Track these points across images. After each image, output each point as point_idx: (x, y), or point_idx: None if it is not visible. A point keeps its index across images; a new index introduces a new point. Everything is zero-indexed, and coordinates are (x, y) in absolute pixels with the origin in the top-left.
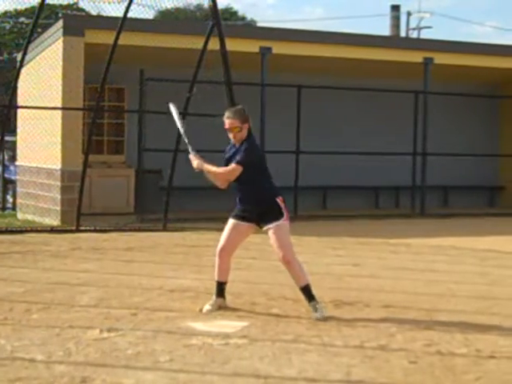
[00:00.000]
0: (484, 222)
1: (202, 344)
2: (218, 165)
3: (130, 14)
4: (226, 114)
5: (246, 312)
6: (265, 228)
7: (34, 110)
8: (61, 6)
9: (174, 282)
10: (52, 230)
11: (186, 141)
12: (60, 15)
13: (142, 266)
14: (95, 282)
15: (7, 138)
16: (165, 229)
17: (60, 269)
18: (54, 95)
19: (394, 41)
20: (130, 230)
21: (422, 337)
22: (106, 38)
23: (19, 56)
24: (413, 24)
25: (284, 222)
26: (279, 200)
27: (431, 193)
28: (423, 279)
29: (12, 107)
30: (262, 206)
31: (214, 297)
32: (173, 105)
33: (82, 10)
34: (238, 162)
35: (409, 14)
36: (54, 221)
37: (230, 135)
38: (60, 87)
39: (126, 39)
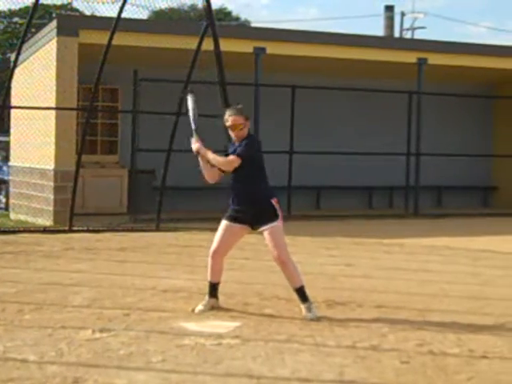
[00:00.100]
0: (477, 222)
1: (194, 344)
2: None
3: (124, 14)
4: (229, 111)
5: (238, 312)
6: (260, 229)
7: (27, 110)
8: (55, 6)
9: (167, 283)
10: (45, 230)
11: (193, 126)
12: (54, 15)
13: (135, 266)
14: (88, 283)
15: (0, 139)
16: (158, 229)
17: (53, 269)
18: (48, 95)
19: (387, 41)
20: (123, 230)
21: (414, 337)
22: (99, 38)
23: (13, 56)
24: (407, 24)
25: (279, 224)
26: (274, 201)
27: (425, 193)
28: (416, 279)
29: (5, 107)
30: (257, 207)
31: (206, 297)
32: (191, 95)
33: (76, 10)
34: (238, 154)
35: (403, 14)
36: (47, 221)
37: (233, 133)
38: (54, 87)
39: (120, 39)
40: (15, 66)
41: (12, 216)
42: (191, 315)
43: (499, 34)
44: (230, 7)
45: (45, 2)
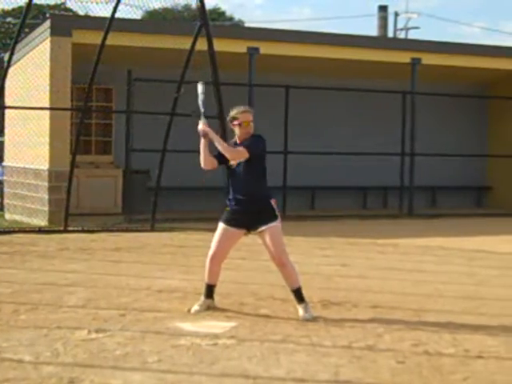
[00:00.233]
0: (472, 223)
1: (190, 344)
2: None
3: (118, 15)
4: (238, 109)
5: (234, 312)
6: (259, 230)
7: (21, 111)
8: (48, 6)
9: (162, 283)
10: (40, 230)
11: (202, 109)
12: (47, 15)
13: (130, 266)
14: (83, 283)
15: None
16: (153, 229)
17: (48, 269)
18: (42, 95)
19: (381, 41)
20: (118, 231)
21: (409, 337)
22: (93, 38)
23: (6, 56)
24: (400, 24)
25: (278, 224)
26: (273, 202)
27: (419, 193)
28: (411, 279)
29: None
30: (258, 206)
31: (202, 297)
32: (201, 84)
33: (70, 10)
34: (246, 147)
35: (396, 14)
36: (42, 221)
37: (240, 130)
38: (47, 87)
39: (114, 39)
40: (9, 66)
41: (7, 216)
42: (187, 315)
43: (493, 34)
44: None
45: (38, 2)
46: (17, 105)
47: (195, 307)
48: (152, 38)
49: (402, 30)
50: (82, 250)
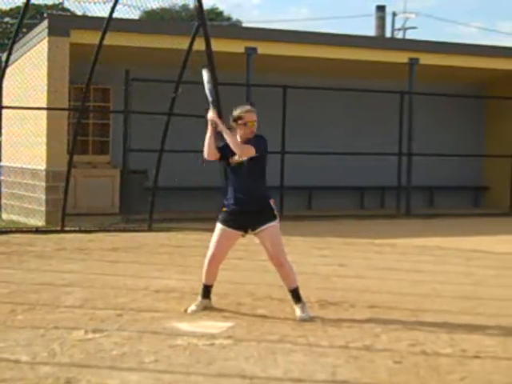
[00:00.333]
0: (469, 222)
1: (187, 344)
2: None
3: (116, 14)
4: (243, 108)
5: (231, 312)
6: (258, 230)
7: (18, 111)
8: (46, 6)
9: (160, 283)
10: (37, 230)
11: (210, 98)
12: (45, 15)
13: (128, 266)
14: (80, 283)
15: None
16: (150, 229)
17: (45, 269)
18: (39, 95)
19: (379, 41)
20: (115, 231)
21: (406, 337)
22: (91, 38)
23: (4, 56)
24: (398, 24)
25: (277, 224)
26: (272, 202)
27: (416, 193)
28: (408, 279)
29: None
30: (258, 205)
31: (199, 297)
32: (207, 71)
33: (67, 10)
34: (253, 145)
35: (394, 14)
36: (39, 221)
37: (244, 130)
38: (45, 87)
39: (112, 39)
40: (6, 66)
41: (4, 216)
42: (184, 315)
43: (490, 34)
44: (221, 7)
45: (36, 2)
46: (14, 105)
47: (192, 307)
48: (150, 38)
49: (399, 30)
50: (79, 250)
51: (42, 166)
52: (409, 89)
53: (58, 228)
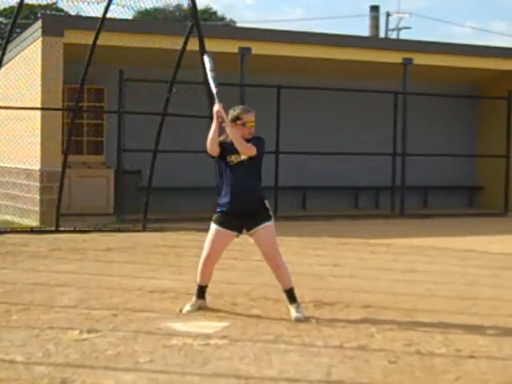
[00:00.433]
0: (463, 222)
1: (182, 344)
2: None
3: (110, 15)
4: (247, 108)
5: (226, 312)
6: (253, 230)
7: (13, 111)
8: (40, 5)
9: (154, 283)
10: (31, 230)
11: (214, 90)
12: (39, 15)
13: (122, 266)
14: (75, 283)
15: None
16: (144, 229)
17: (40, 269)
18: (33, 95)
19: (373, 41)
20: (110, 231)
21: (401, 337)
22: (85, 38)
23: None
24: (392, 25)
25: (272, 225)
26: (267, 202)
27: (411, 193)
28: (403, 279)
29: None
30: (253, 205)
31: (194, 297)
32: (209, 57)
33: (61, 10)
34: (255, 145)
35: (388, 14)
36: (34, 221)
37: (246, 130)
38: (39, 87)
39: (106, 39)
40: (0, 66)
41: None
42: (179, 315)
43: (483, 34)
44: (215, 7)
45: (30, 2)
46: (8, 105)
47: (187, 307)
48: (144, 38)
49: (393, 30)
50: (73, 251)
51: (36, 166)
52: (403, 89)
53: (53, 228)
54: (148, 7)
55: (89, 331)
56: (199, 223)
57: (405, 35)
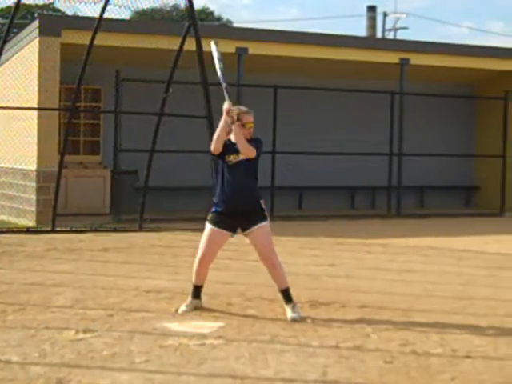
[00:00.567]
0: (460, 222)
1: (178, 344)
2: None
3: (106, 15)
4: (246, 109)
5: (222, 312)
6: (249, 230)
7: (9, 111)
8: (37, 6)
9: (150, 283)
10: (28, 230)
11: (224, 84)
12: (36, 15)
13: (118, 266)
14: (71, 283)
15: None
16: (141, 229)
17: (36, 269)
18: (30, 95)
19: (370, 41)
20: (106, 231)
21: (397, 337)
22: (82, 38)
23: None
24: (389, 25)
25: (268, 225)
26: (262, 202)
27: (407, 193)
28: (399, 279)
29: None
30: (250, 205)
31: (189, 298)
32: (215, 44)
33: (58, 10)
34: (255, 147)
35: (385, 14)
36: (30, 221)
37: (245, 131)
38: (36, 87)
39: (102, 39)
40: None
41: None
42: (174, 315)
43: (481, 34)
44: (211, 7)
45: (27, 2)
46: (5, 105)
47: (182, 307)
48: (140, 37)
49: (390, 30)
50: (70, 251)
51: (32, 166)
52: (399, 89)
53: (49, 228)
54: (145, 7)
55: (85, 331)
56: (195, 223)
57: (402, 35)
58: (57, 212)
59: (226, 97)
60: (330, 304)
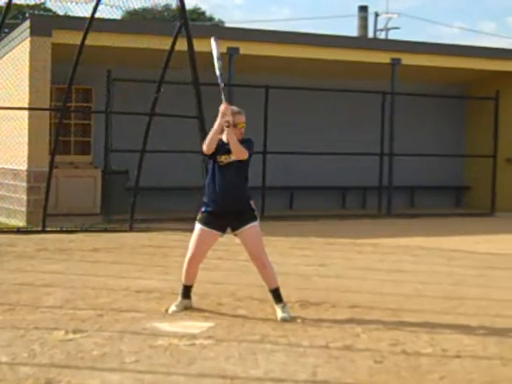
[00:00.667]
0: (450, 222)
1: (167, 345)
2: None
3: (98, 15)
4: (237, 109)
5: (212, 312)
6: (239, 230)
7: (0, 111)
8: (28, 6)
9: (140, 283)
10: (18, 230)
11: (221, 84)
12: (27, 15)
13: (109, 266)
14: (61, 283)
15: None
16: (131, 229)
17: (26, 270)
18: (21, 95)
19: (361, 41)
20: (97, 231)
21: (387, 337)
22: (73, 38)
23: None
24: (380, 25)
25: (257, 225)
26: (252, 203)
27: (398, 193)
28: (390, 279)
29: None
30: (240, 206)
31: (179, 298)
32: (215, 41)
33: (49, 10)
34: (247, 148)
35: (376, 14)
36: (20, 222)
37: (237, 132)
38: (27, 87)
39: (94, 39)
40: None
41: None
42: (164, 316)
43: (472, 34)
44: (203, 7)
45: (18, 2)
46: None
47: (172, 307)
48: (132, 37)
49: (382, 30)
50: (60, 251)
51: (23, 166)
52: (391, 89)
53: (39, 228)
54: (136, 7)
55: (74, 331)
56: (186, 223)
57: (393, 35)
58: (47, 212)
59: (223, 98)
60: (320, 304)
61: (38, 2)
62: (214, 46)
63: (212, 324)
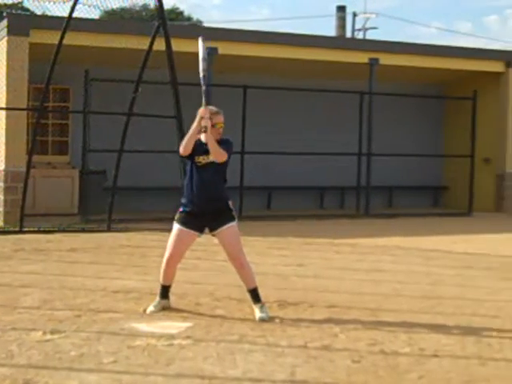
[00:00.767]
0: (428, 222)
1: (145, 345)
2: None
3: (76, 14)
4: (216, 109)
5: (190, 313)
6: (217, 230)
7: None
8: (5, 5)
9: (118, 283)
10: None
11: (203, 87)
12: (4, 14)
13: (86, 267)
14: (39, 284)
15: None
16: (109, 229)
17: (3, 270)
18: None
19: (339, 41)
20: (74, 231)
21: (365, 336)
22: (51, 37)
23: None
24: (359, 25)
25: (236, 225)
26: (230, 203)
27: (376, 193)
28: (368, 279)
29: None
30: (218, 206)
31: (157, 298)
32: (203, 41)
33: (27, 9)
34: (226, 149)
35: (354, 14)
36: None
37: (215, 132)
38: (4, 87)
39: (71, 39)
40: None
41: None
42: (142, 316)
43: (449, 35)
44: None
45: None
46: None
47: (150, 308)
48: (110, 37)
49: (360, 30)
50: (37, 251)
51: (0, 166)
52: (369, 89)
53: (17, 229)
54: (114, 7)
55: (52, 332)
56: (164, 223)
57: (371, 35)
58: (24, 212)
59: (204, 101)
60: (298, 304)
61: (16, 2)
62: (200, 47)
63: (190, 324)
